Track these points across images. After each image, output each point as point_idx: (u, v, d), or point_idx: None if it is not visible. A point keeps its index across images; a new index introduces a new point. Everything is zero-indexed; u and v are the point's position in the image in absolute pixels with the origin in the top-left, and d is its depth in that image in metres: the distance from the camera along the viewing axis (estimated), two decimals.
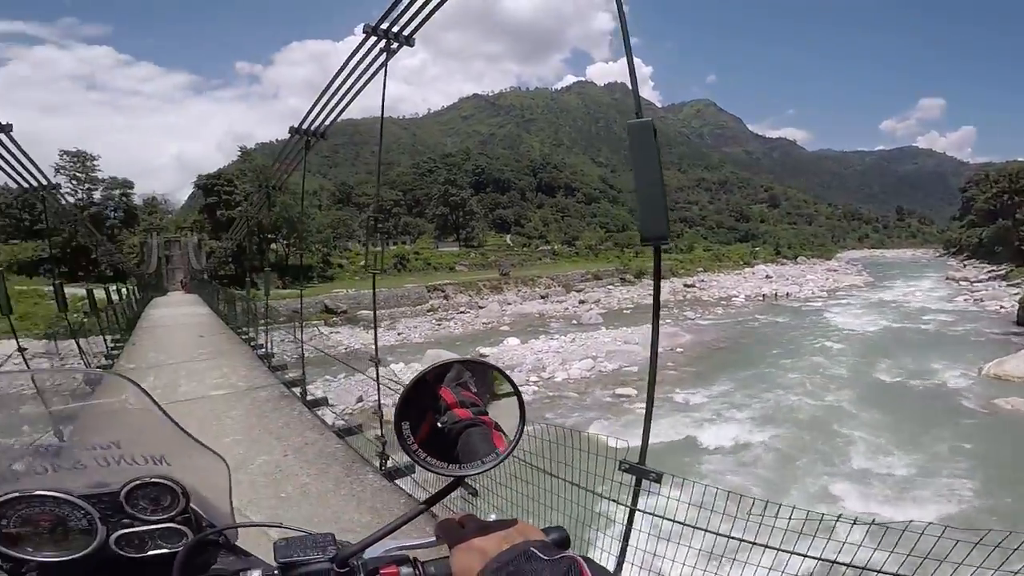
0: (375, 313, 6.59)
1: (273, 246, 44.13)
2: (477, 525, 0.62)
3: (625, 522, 2.93)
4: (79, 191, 47.08)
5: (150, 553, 0.69)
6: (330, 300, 33.84)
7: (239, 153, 56.13)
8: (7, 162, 6.03)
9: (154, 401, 0.71)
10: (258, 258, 35.87)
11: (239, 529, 0.75)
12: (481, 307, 36.04)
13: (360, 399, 14.47)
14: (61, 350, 11.83)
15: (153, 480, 0.69)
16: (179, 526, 0.70)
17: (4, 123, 5.45)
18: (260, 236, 47.30)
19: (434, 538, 0.64)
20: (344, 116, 5.49)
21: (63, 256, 36.36)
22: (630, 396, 15.32)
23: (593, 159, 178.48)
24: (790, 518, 2.42)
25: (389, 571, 0.60)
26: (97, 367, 10.10)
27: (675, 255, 67.24)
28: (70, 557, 0.66)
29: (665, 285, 48.14)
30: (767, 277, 53.41)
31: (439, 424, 0.62)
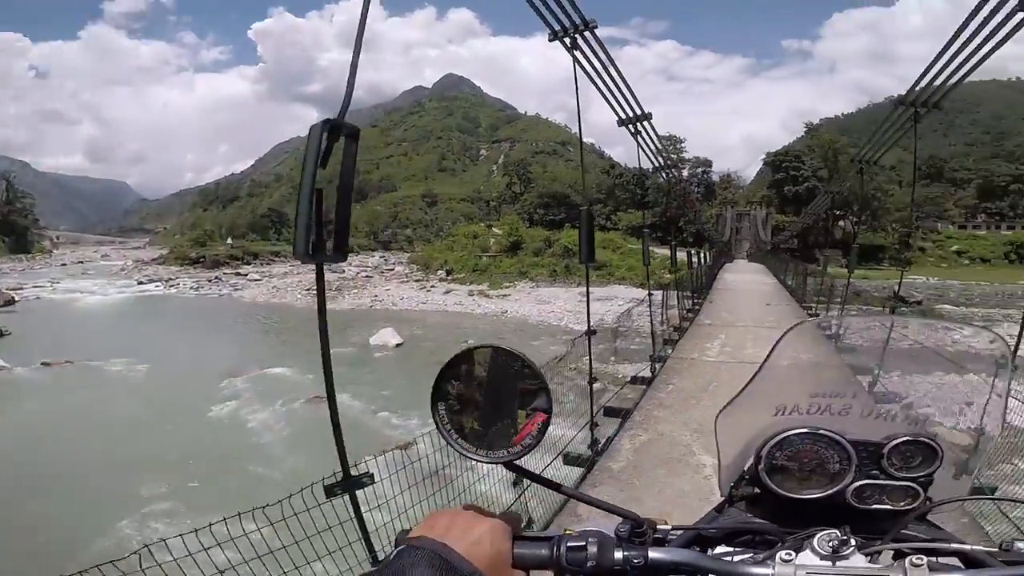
0: None
1: (841, 223, 41.46)
2: None
3: None
4: (671, 170, 58.52)
5: (873, 507, 0.68)
6: (903, 288, 28.82)
7: (804, 129, 55.04)
8: (646, 144, 7.20)
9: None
10: (824, 235, 34.68)
11: None
12: None
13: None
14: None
15: (921, 439, 0.68)
16: (916, 487, 0.68)
17: (646, 112, 6.24)
18: (828, 213, 45.49)
19: None
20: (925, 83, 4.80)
21: (659, 223, 46.49)
22: None
23: None
24: None
25: None
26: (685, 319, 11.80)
27: None
28: (814, 496, 0.67)
29: None
30: None
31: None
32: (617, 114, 5.89)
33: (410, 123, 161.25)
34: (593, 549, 0.55)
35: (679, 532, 0.66)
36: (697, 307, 13.92)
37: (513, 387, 0.61)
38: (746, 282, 24.04)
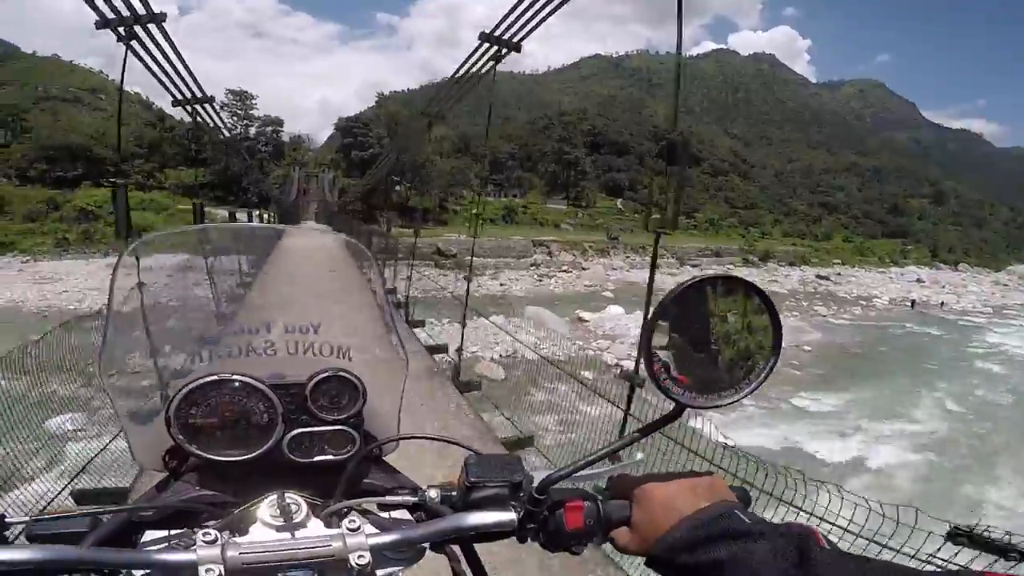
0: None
1: (398, 187, 46.79)
2: (660, 475, 0.56)
3: None
4: (238, 126, 52.85)
5: (316, 459, 0.62)
6: (442, 244, 35.17)
7: (376, 99, 59.36)
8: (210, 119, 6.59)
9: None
10: (384, 197, 38.30)
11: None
12: (584, 268, 35.36)
13: (459, 349, 14.67)
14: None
15: (339, 374, 0.63)
16: (350, 430, 0.63)
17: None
18: (388, 178, 50.21)
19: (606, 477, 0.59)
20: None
21: (218, 182, 41.26)
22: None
23: (726, 131, 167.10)
24: None
25: (575, 505, 0.55)
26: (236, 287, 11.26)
27: (808, 241, 60.81)
28: (245, 457, 0.59)
29: (793, 273, 43.84)
30: (918, 281, 46.35)
31: (677, 346, 0.54)
32: (174, 96, 5.78)
33: None
34: None
35: (105, 516, 0.53)
36: (253, 272, 13.06)
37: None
38: (314, 247, 23.79)
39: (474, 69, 5.64)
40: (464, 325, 6.51)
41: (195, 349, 0.63)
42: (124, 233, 4.16)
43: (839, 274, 45.25)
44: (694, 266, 41.06)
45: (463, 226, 47.61)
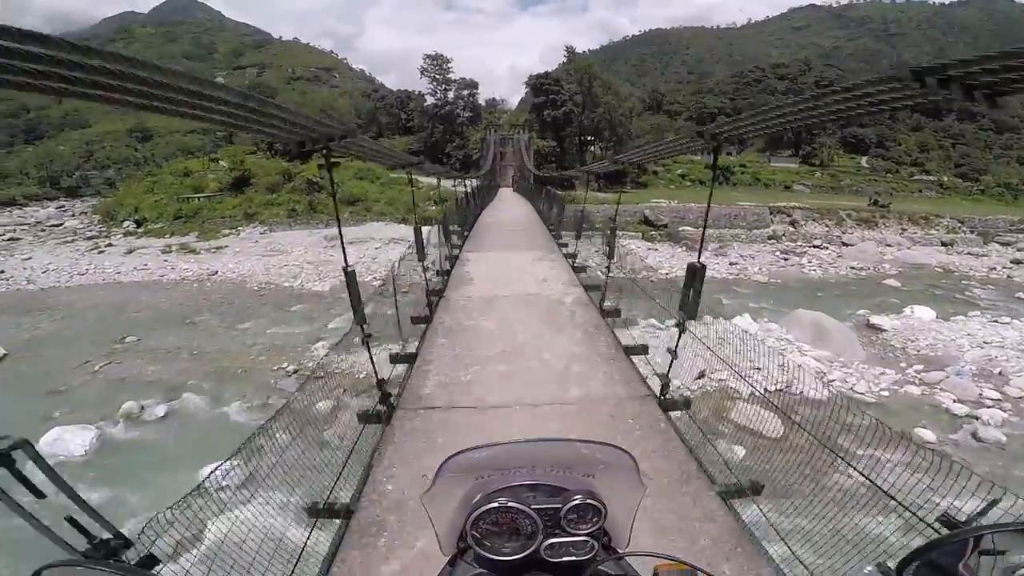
0: None
1: (591, 148, 43.15)
2: None
3: None
4: (437, 91, 53.71)
5: (564, 559, 0.84)
6: (650, 211, 30.27)
7: (565, 56, 55.62)
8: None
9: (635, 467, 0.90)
10: (578, 160, 34.96)
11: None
12: (846, 244, 27.34)
13: (702, 374, 9.81)
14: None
15: (588, 502, 0.84)
16: (592, 540, 0.84)
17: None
18: (580, 138, 46.86)
19: None
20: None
21: (424, 149, 41.91)
22: None
23: None
24: None
25: None
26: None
27: None
28: (516, 557, 0.83)
29: None
30: None
31: None
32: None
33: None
34: None
35: None
36: (459, 243, 11.92)
37: None
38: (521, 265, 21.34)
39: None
40: None
41: (483, 479, 0.87)
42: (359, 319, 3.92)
43: None
44: (1005, 244, 29.56)
45: (666, 188, 41.96)
